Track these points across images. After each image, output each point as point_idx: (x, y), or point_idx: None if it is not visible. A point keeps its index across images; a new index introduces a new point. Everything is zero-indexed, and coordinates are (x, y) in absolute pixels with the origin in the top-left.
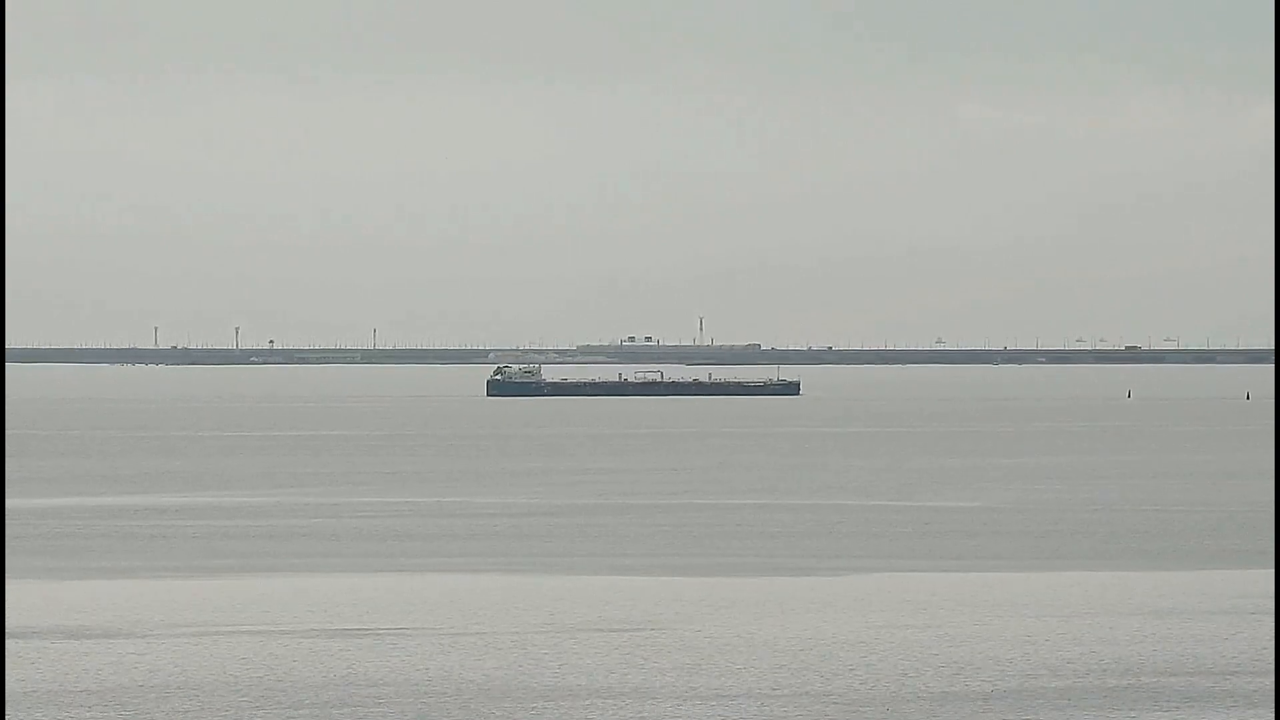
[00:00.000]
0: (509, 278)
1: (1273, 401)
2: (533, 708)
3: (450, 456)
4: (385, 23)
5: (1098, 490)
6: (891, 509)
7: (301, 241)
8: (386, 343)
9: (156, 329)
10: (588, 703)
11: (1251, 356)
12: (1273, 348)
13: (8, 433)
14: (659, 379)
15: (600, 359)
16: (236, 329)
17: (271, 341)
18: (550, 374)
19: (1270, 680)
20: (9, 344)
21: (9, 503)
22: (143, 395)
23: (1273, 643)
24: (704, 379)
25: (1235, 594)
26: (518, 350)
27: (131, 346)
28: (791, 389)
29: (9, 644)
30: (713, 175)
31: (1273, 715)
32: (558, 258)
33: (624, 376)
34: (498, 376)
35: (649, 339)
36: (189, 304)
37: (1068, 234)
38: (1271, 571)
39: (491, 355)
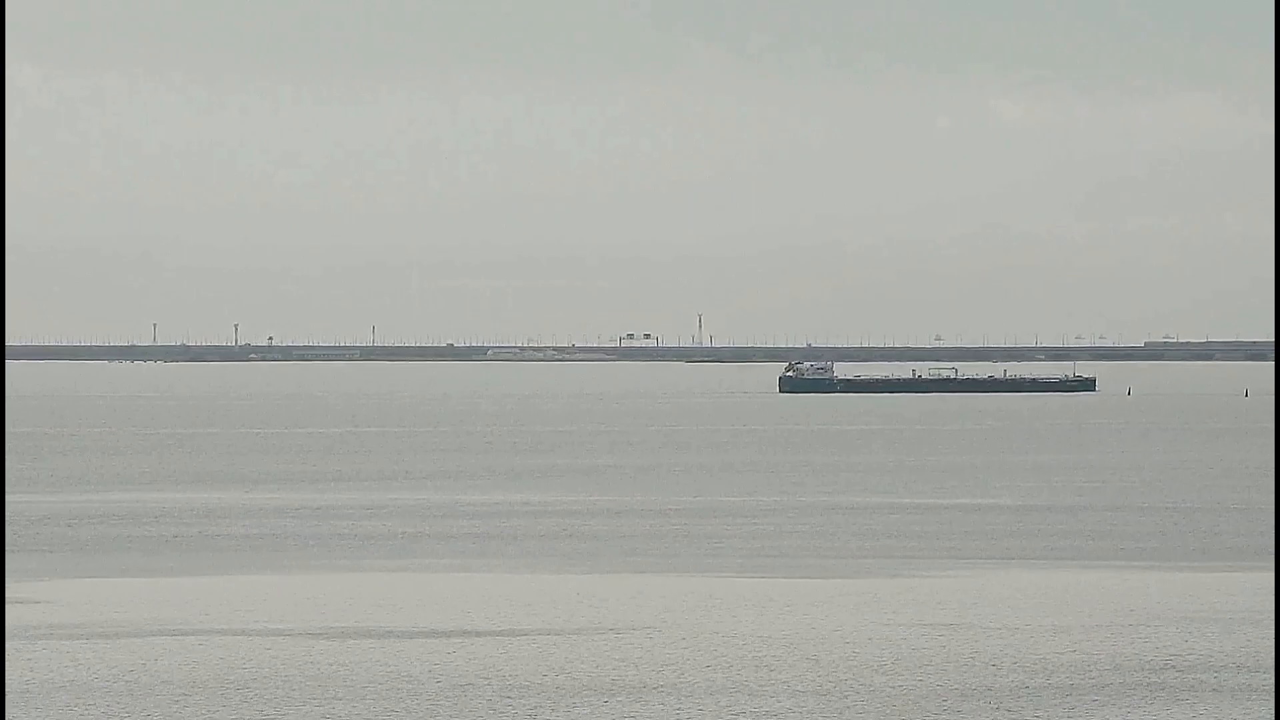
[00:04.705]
0: (506, 275)
1: (1271, 399)
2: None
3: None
4: (384, 20)
5: (1099, 488)
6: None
7: (299, 239)
8: (384, 340)
9: (155, 326)
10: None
11: (1251, 353)
12: (1271, 343)
13: (7, 431)
14: (953, 375)
15: (598, 357)
16: (235, 326)
17: (271, 339)
18: (843, 371)
19: (1269, 678)
20: (8, 341)
21: (8, 501)
22: (184, 392)
23: (1273, 640)
24: (999, 375)
25: (1240, 592)
26: (516, 348)
27: (131, 344)
28: (1087, 385)
29: (9, 644)
30: (711, 168)
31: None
32: (555, 254)
33: (917, 373)
34: (790, 373)
35: (648, 336)
36: (188, 301)
37: (1066, 229)
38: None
39: (490, 353)
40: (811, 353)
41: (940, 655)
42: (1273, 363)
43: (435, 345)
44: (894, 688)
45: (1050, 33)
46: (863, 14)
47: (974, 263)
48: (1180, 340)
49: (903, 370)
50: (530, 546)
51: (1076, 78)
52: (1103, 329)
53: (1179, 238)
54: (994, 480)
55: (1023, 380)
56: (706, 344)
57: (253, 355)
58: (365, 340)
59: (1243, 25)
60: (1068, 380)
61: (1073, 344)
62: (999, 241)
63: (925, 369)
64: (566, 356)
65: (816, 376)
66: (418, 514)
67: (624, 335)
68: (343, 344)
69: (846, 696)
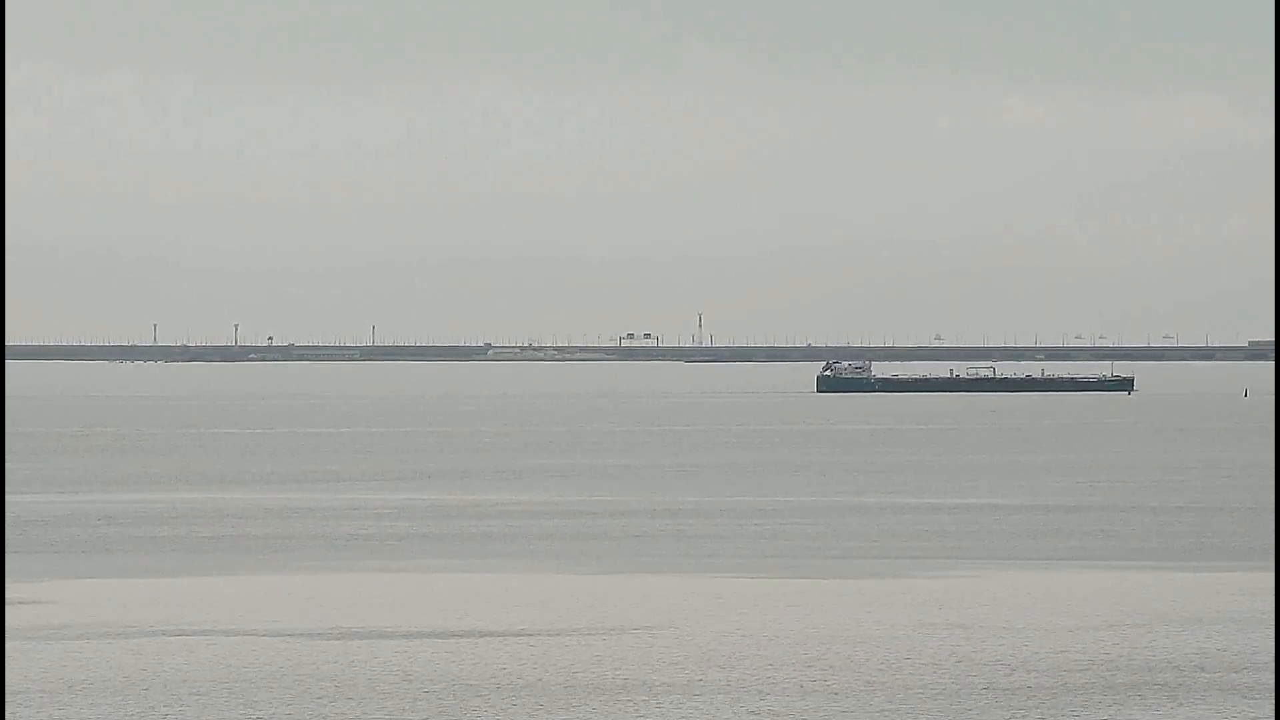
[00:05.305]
0: (504, 275)
1: (1271, 399)
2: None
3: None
4: (384, 20)
5: (1100, 488)
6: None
7: (299, 239)
8: (384, 339)
9: (155, 326)
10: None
11: (1251, 353)
12: (1271, 343)
13: (7, 431)
14: (990, 375)
15: (598, 357)
16: (235, 326)
17: (271, 338)
18: (880, 370)
19: (1269, 677)
20: (8, 341)
21: (8, 501)
22: (184, 392)
23: (1273, 640)
24: (1036, 375)
25: (1240, 592)
26: (517, 348)
27: (131, 344)
28: (1125, 385)
29: (9, 644)
30: (711, 168)
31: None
32: (555, 254)
33: (955, 372)
34: (827, 373)
35: (648, 335)
36: (188, 301)
37: (1066, 229)
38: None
39: (490, 353)
40: (810, 352)
41: (942, 655)
42: (1273, 363)
43: (435, 345)
44: (896, 687)
45: (1051, 33)
46: (863, 14)
47: (974, 263)
48: (1180, 340)
49: (940, 370)
50: (533, 546)
51: (1076, 78)
52: (1103, 329)
53: (1179, 238)
54: (1001, 480)
55: (1061, 379)
56: (706, 344)
57: (253, 355)
58: (365, 340)
59: (1244, 25)
60: (1105, 380)
61: (1073, 344)
62: (999, 241)
63: (963, 368)
64: (566, 356)
65: (854, 376)
66: (419, 514)
67: (624, 335)
68: (343, 344)
69: (850, 696)
